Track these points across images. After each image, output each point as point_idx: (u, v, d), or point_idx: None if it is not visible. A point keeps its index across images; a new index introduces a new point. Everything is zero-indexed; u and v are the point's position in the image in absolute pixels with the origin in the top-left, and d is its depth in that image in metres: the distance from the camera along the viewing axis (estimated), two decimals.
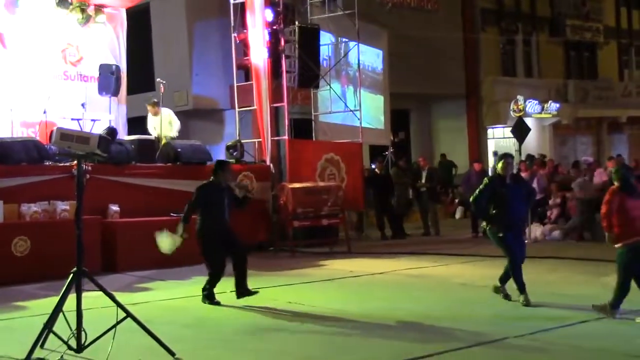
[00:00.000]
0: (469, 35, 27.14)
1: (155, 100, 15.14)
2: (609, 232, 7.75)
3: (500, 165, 9.01)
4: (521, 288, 8.79)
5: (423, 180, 18.10)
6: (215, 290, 9.17)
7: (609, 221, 7.71)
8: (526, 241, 15.29)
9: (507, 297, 8.97)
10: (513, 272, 8.85)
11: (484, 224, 9.19)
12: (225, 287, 9.65)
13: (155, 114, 15.05)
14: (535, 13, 30.19)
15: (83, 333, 6.23)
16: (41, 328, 6.18)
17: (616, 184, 7.82)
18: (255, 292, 9.18)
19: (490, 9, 28.21)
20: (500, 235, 8.84)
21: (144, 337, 6.44)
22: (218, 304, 9.04)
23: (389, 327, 7.74)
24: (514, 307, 8.62)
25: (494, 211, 8.86)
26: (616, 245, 7.75)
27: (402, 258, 13.56)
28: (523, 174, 17.03)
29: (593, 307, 7.87)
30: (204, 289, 9.15)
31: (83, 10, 15.41)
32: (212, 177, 9.45)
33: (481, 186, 9.06)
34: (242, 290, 9.14)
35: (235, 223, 14.21)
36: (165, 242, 9.15)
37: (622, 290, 7.77)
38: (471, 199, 9.26)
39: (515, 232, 9.00)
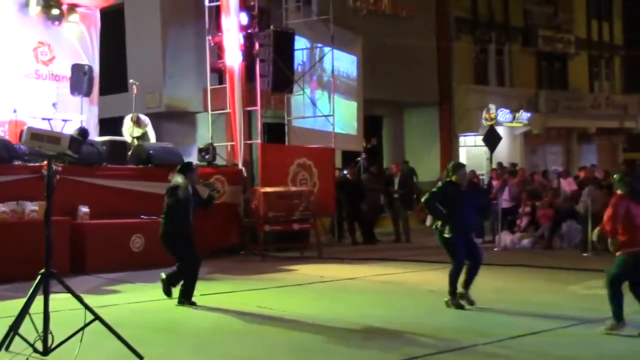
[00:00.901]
0: (443, 43, 27.31)
1: (139, 116, 15.11)
2: (612, 237, 7.51)
3: (454, 177, 9.07)
4: (453, 291, 8.96)
5: (396, 187, 18.19)
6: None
7: (613, 226, 7.48)
8: (495, 249, 15.66)
9: (471, 303, 9.00)
10: (452, 274, 8.99)
11: (437, 223, 9.21)
12: (195, 291, 9.60)
13: (138, 126, 15.00)
14: (508, 23, 30.50)
15: (50, 336, 6.15)
16: (7, 330, 6.10)
17: (619, 191, 7.69)
18: (194, 304, 9.07)
19: (464, 17, 28.43)
20: (446, 236, 8.94)
21: (112, 340, 6.38)
22: (194, 304, 9.07)
23: (358, 333, 7.75)
24: (482, 315, 8.68)
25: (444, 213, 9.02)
26: (617, 253, 7.54)
27: (373, 264, 13.60)
28: (494, 182, 17.20)
29: (605, 331, 7.54)
30: (180, 291, 9.14)
31: (55, 7, 15.27)
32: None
33: (433, 189, 9.21)
34: (186, 299, 9.07)
35: (207, 226, 14.30)
36: None
37: (617, 302, 7.48)
38: (422, 200, 9.35)
39: (465, 239, 9.05)
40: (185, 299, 9.09)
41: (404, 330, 7.82)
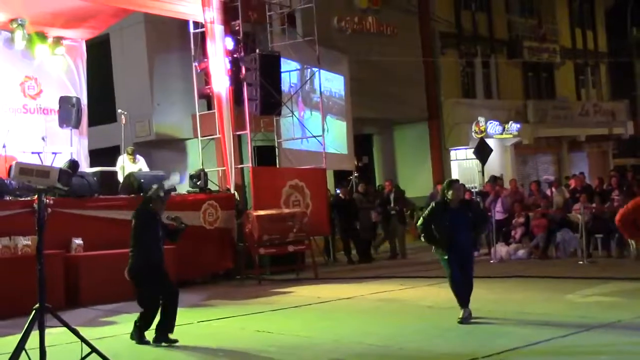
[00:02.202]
0: (429, 59, 27.46)
1: (133, 148, 15.17)
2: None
3: (450, 193, 9.14)
4: (462, 303, 9.05)
5: (392, 204, 18.22)
6: (183, 320, 9.03)
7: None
8: (492, 261, 15.65)
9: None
10: (452, 289, 9.15)
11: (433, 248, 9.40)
12: (192, 318, 9.56)
13: (133, 161, 15.04)
14: (493, 36, 30.69)
15: None
16: None
17: None
18: (175, 341, 8.31)
19: (448, 32, 28.60)
20: (445, 257, 9.12)
21: None
22: (147, 343, 8.34)
23: (358, 352, 7.71)
24: (482, 327, 8.66)
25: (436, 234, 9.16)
26: None
27: (369, 282, 13.57)
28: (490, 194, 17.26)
29: None
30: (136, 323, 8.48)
31: (41, 41, 15.32)
32: (144, 206, 8.60)
33: (425, 214, 9.30)
34: (163, 336, 8.34)
35: (201, 252, 14.28)
36: None
37: None
38: (417, 225, 9.47)
39: (459, 256, 9.10)
40: (164, 335, 8.36)
41: (404, 347, 7.79)
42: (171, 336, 8.36)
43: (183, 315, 9.02)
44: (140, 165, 15.39)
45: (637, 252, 14.41)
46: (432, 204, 9.49)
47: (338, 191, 19.11)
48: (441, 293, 11.61)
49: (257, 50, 16.38)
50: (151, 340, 8.33)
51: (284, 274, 14.99)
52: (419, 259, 17.24)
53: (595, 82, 35.88)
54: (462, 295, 9.08)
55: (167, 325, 8.36)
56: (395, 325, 9.28)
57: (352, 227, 17.79)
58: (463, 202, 9.40)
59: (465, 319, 8.89)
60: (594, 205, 16.06)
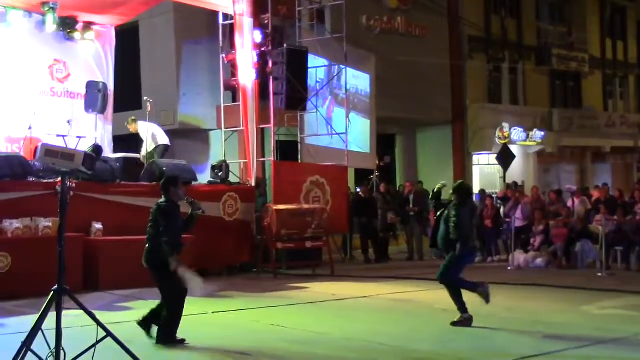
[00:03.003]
0: (456, 62, 27.35)
1: (133, 117, 15.11)
2: None
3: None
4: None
5: (411, 205, 18.18)
6: (197, 310, 9.05)
7: None
8: (509, 268, 15.59)
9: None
10: None
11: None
12: (207, 308, 9.61)
13: (135, 130, 15.01)
14: (522, 42, 30.51)
15: (62, 352, 6.16)
16: (19, 346, 6.11)
17: None
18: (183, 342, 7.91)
19: (477, 36, 28.46)
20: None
21: (124, 357, 6.39)
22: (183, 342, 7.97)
23: (370, 352, 7.71)
24: (494, 334, 8.63)
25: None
26: None
27: (385, 282, 13.56)
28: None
29: None
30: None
31: (71, 25, 15.43)
32: (164, 197, 8.19)
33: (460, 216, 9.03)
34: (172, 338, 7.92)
35: (219, 243, 14.33)
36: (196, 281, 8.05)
37: None
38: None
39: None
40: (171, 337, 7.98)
41: (415, 349, 7.77)
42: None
43: (197, 305, 9.07)
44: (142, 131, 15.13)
45: None
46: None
47: (358, 190, 19.08)
48: None
49: (285, 45, 16.40)
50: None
51: (300, 269, 15.01)
52: (436, 261, 17.15)
53: (623, 94, 35.55)
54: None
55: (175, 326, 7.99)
56: (409, 326, 9.28)
57: (371, 227, 17.77)
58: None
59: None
60: (615, 217, 15.93)
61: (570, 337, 8.27)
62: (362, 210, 17.82)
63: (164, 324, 7.94)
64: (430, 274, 14.47)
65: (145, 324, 8.17)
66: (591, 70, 32.90)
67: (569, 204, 18.08)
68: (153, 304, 8.39)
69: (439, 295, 11.78)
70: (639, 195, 17.72)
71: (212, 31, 17.87)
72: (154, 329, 8.07)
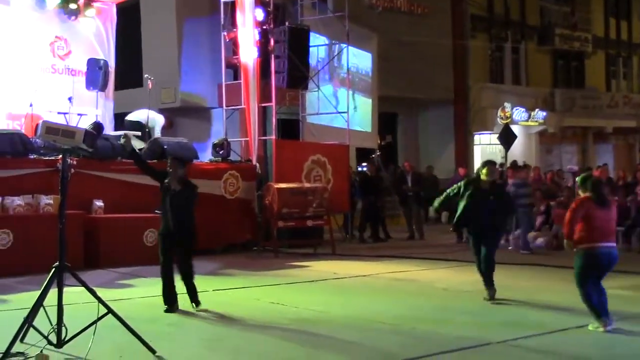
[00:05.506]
0: (458, 41, 27.22)
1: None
2: (567, 239, 7.75)
3: (484, 171, 9.35)
4: (485, 282, 9.36)
5: (409, 185, 18.16)
6: (198, 288, 9.04)
7: (571, 228, 7.70)
8: (510, 248, 15.58)
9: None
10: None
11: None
12: (208, 286, 9.64)
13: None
14: (524, 21, 30.35)
15: (63, 328, 6.19)
16: (21, 322, 6.13)
17: (583, 193, 7.87)
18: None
19: (480, 15, 28.32)
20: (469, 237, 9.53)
21: (124, 334, 6.41)
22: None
23: (370, 330, 7.73)
24: (495, 313, 8.65)
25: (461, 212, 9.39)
26: (574, 250, 7.79)
27: (386, 261, 13.59)
28: (510, 180, 17.14)
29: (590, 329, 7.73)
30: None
31: (72, 2, 15.34)
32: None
33: (450, 190, 9.63)
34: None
35: (221, 221, 14.34)
36: None
37: (588, 301, 7.74)
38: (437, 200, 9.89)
39: (479, 234, 9.36)
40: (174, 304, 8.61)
41: (416, 328, 7.79)
42: None
43: (199, 283, 9.07)
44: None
45: None
46: (464, 180, 9.76)
47: (363, 168, 19.01)
48: (457, 276, 11.64)
49: (287, 23, 16.33)
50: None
51: (301, 248, 15.03)
52: (437, 241, 17.22)
53: (627, 74, 35.40)
54: (483, 274, 9.34)
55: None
56: (409, 305, 9.30)
57: (375, 205, 17.66)
58: (493, 184, 9.54)
59: (490, 298, 9.19)
60: (616, 198, 15.90)
61: (571, 316, 8.27)
62: (370, 189, 17.74)
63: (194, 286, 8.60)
64: (431, 253, 14.55)
65: (193, 299, 8.62)
66: (594, 50, 32.75)
67: (570, 184, 18.06)
68: (154, 280, 8.41)
69: (440, 275, 11.86)
70: None
71: (214, 8, 17.78)
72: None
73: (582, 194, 7.96)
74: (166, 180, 8.71)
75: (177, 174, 8.69)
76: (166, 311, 8.44)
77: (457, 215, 9.57)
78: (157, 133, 15.51)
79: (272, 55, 16.08)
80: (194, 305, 8.59)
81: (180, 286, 8.68)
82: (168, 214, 8.60)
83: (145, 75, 15.68)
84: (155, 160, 13.85)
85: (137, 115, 15.69)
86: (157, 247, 9.16)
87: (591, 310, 7.71)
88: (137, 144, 13.67)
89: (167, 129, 17.78)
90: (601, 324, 7.58)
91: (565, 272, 12.13)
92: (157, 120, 15.83)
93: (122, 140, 8.91)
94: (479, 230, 9.35)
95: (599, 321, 7.60)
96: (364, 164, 19.47)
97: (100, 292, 6.62)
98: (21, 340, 6.21)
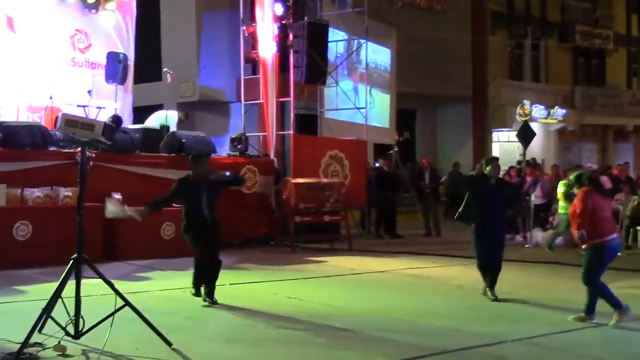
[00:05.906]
0: (478, 38, 27.08)
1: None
2: (579, 230, 7.65)
3: (488, 168, 9.31)
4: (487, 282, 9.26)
5: (427, 181, 18.10)
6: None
7: (583, 219, 7.63)
8: (527, 246, 15.51)
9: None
10: (478, 266, 9.40)
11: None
12: (225, 280, 9.67)
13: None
14: (545, 18, 30.14)
15: (81, 320, 6.24)
16: (39, 313, 6.18)
17: (578, 189, 7.83)
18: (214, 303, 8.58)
19: (500, 12, 28.16)
20: (474, 234, 9.32)
21: (141, 327, 6.44)
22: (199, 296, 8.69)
23: (387, 326, 7.73)
24: (511, 311, 8.61)
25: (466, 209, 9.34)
26: (583, 246, 7.77)
27: (403, 258, 13.56)
28: (528, 178, 17.04)
29: (574, 319, 7.84)
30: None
31: None
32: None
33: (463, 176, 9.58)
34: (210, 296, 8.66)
35: (238, 216, 14.37)
36: (110, 209, 8.66)
37: (606, 294, 7.78)
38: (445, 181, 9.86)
39: (487, 233, 9.21)
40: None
41: (433, 324, 7.78)
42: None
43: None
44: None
45: None
46: (472, 174, 9.72)
47: (377, 164, 18.95)
48: (473, 273, 11.51)
49: (306, 18, 16.30)
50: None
51: (318, 243, 15.03)
52: (454, 238, 17.14)
53: None
54: (492, 274, 9.21)
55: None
56: (425, 302, 9.29)
57: (392, 202, 17.61)
58: (500, 180, 9.52)
59: (495, 298, 9.09)
60: (635, 197, 15.77)
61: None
62: (387, 185, 17.70)
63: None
64: (447, 250, 14.50)
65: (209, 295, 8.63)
66: (615, 47, 32.46)
67: None
68: (171, 274, 8.45)
69: (456, 272, 11.82)
70: None
71: (233, 3, 17.81)
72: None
73: (577, 190, 7.89)
74: (189, 175, 8.93)
75: (205, 169, 8.99)
76: (196, 295, 8.69)
77: (460, 210, 9.49)
78: (173, 128, 15.56)
79: (291, 50, 16.07)
80: (209, 300, 8.59)
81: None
82: (203, 207, 8.76)
83: (164, 69, 15.74)
84: (174, 154, 13.95)
85: (154, 120, 15.72)
86: (174, 240, 9.23)
87: (611, 302, 7.71)
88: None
89: (183, 120, 17.82)
90: (623, 314, 7.58)
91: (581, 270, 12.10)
92: (172, 117, 15.89)
93: (134, 215, 8.78)
94: (491, 228, 9.22)
95: (620, 311, 7.60)
96: (379, 159, 19.35)
97: (117, 284, 6.66)
98: (39, 331, 6.25)
